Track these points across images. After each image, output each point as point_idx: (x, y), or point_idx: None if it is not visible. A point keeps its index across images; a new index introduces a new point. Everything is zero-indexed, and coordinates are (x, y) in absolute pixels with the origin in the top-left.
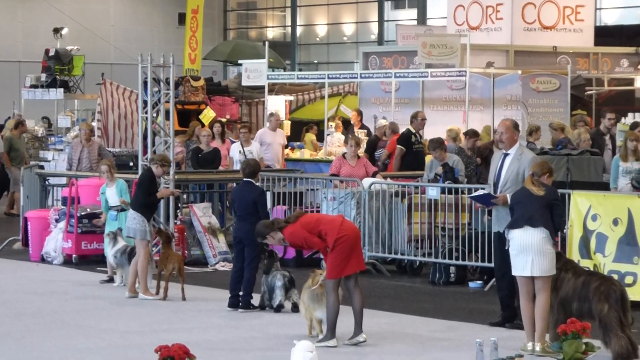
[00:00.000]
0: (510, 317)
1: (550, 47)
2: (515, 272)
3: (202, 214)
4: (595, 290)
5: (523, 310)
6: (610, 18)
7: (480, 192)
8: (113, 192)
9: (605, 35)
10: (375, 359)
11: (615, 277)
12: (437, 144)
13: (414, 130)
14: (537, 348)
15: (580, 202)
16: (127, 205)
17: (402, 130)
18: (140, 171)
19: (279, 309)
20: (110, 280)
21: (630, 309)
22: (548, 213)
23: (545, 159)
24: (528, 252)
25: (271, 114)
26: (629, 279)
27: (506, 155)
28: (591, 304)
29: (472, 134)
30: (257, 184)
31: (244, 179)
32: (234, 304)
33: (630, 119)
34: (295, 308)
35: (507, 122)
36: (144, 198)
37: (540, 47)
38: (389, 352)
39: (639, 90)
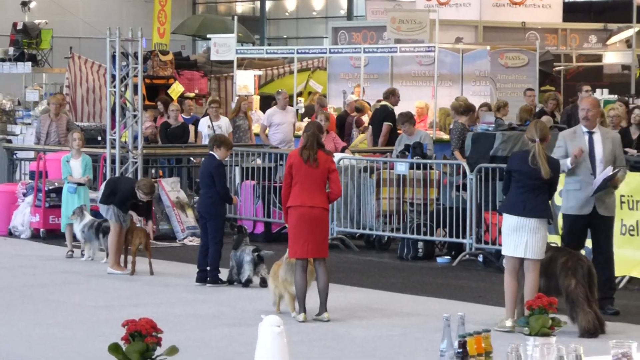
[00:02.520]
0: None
1: (519, 22)
2: (506, 251)
3: (171, 189)
4: (563, 265)
5: (506, 286)
6: None
7: (608, 171)
8: (78, 165)
9: (573, 11)
10: (343, 333)
11: (583, 252)
12: (406, 117)
13: (392, 107)
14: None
15: None
16: (89, 182)
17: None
18: (108, 145)
19: (247, 283)
20: (72, 255)
21: (597, 284)
22: (545, 195)
23: (513, 135)
24: (522, 233)
25: (279, 92)
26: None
27: (591, 133)
28: (558, 279)
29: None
30: (218, 157)
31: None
32: (201, 278)
33: (598, 94)
34: (263, 283)
35: (593, 99)
36: (118, 205)
37: (509, 22)
38: (357, 326)
39: (607, 66)
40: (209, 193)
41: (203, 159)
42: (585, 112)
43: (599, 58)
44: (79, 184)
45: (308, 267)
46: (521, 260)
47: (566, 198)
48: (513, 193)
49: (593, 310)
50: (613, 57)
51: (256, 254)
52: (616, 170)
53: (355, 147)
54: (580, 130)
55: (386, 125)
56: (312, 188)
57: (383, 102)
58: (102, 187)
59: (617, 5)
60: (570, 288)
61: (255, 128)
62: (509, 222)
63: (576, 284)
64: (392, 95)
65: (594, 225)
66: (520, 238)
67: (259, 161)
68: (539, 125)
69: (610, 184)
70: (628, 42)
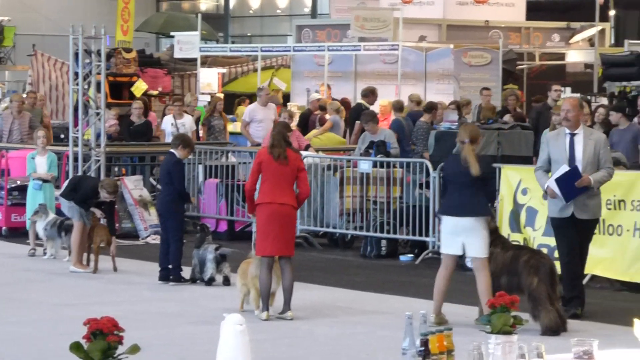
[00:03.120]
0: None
1: (483, 21)
2: (443, 249)
3: (134, 187)
4: (525, 264)
5: (437, 281)
6: None
7: (564, 168)
8: (43, 162)
9: (537, 9)
10: (307, 331)
11: (545, 250)
12: (369, 117)
13: (367, 106)
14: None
15: (510, 176)
16: (53, 180)
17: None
18: (71, 143)
19: (210, 282)
20: (35, 253)
21: (559, 282)
22: (481, 192)
23: None
24: (459, 234)
25: (260, 88)
26: (558, 253)
27: (573, 135)
28: (520, 277)
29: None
30: (178, 155)
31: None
32: (164, 277)
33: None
34: (226, 281)
35: (574, 99)
36: (79, 203)
37: (472, 21)
38: (320, 324)
39: (570, 64)
40: (168, 190)
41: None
42: (564, 113)
43: (561, 57)
44: (44, 181)
45: (274, 266)
46: (457, 259)
47: (549, 202)
48: (449, 195)
49: (555, 308)
50: (576, 56)
51: (218, 252)
52: (571, 168)
53: (309, 139)
54: (563, 132)
55: (358, 124)
56: (282, 185)
57: (359, 100)
58: (66, 183)
59: (580, 4)
60: (533, 286)
61: (234, 127)
62: (447, 223)
63: (538, 282)
64: (371, 94)
65: (576, 227)
66: (458, 237)
67: (233, 159)
68: (468, 127)
69: (579, 183)
70: (591, 41)
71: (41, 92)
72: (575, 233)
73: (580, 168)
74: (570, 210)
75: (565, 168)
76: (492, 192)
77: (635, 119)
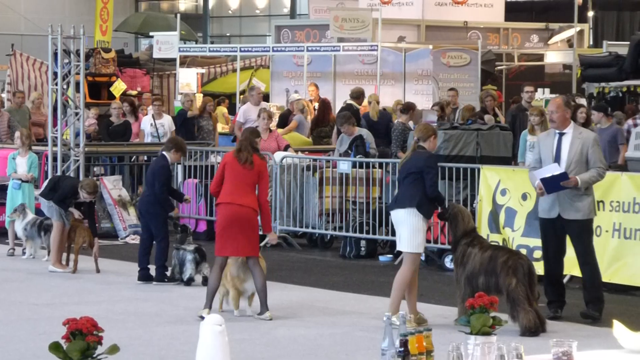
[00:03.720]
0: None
1: (461, 22)
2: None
3: (113, 187)
4: (503, 264)
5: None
6: None
7: (554, 168)
8: (24, 163)
9: (515, 10)
10: (286, 332)
11: (524, 251)
12: (345, 118)
13: (357, 107)
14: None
15: (489, 177)
16: (32, 180)
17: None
18: (50, 143)
19: (189, 282)
20: (14, 253)
21: (537, 283)
22: (418, 187)
23: (454, 134)
24: (398, 228)
25: (252, 88)
26: (537, 254)
27: (562, 134)
28: (499, 278)
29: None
30: (169, 159)
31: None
32: (143, 277)
33: (540, 94)
34: (205, 281)
35: (558, 99)
36: (58, 203)
37: (451, 22)
38: (299, 325)
39: (548, 65)
40: (150, 191)
41: (146, 157)
42: (550, 115)
43: (540, 57)
44: (24, 181)
45: (244, 266)
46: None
47: (539, 201)
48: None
49: (534, 308)
50: (554, 57)
51: (197, 253)
52: (564, 172)
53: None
54: (552, 132)
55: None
56: (244, 188)
57: (349, 101)
58: (45, 182)
59: (559, 5)
60: (511, 287)
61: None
62: (393, 218)
63: (517, 283)
64: (362, 96)
65: (565, 229)
66: (398, 232)
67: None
68: (420, 127)
69: (565, 184)
70: (569, 42)
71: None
72: (561, 235)
73: (563, 167)
74: (556, 210)
75: (554, 168)
76: (432, 187)
77: (630, 121)
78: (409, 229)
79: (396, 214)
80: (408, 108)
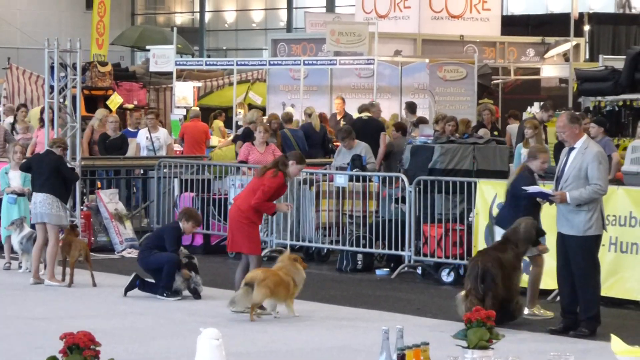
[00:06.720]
0: (573, 325)
1: (458, 36)
2: None
3: (109, 200)
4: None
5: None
6: (517, 8)
7: (532, 188)
8: (17, 176)
9: (511, 24)
10: (282, 346)
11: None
12: (345, 133)
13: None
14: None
15: (485, 191)
16: (28, 194)
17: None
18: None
19: (175, 294)
20: (10, 267)
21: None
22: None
23: (451, 148)
24: None
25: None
26: None
27: (571, 149)
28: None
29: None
30: (184, 230)
31: None
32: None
33: (535, 108)
34: (196, 293)
35: (564, 116)
36: (61, 182)
37: (447, 36)
38: (296, 338)
39: (544, 79)
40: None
41: (142, 170)
42: (559, 135)
43: (536, 71)
44: (19, 195)
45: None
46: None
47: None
48: None
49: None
50: (551, 71)
51: (187, 261)
52: (554, 196)
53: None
54: (567, 147)
55: (383, 135)
56: (246, 191)
57: (366, 114)
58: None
59: (555, 19)
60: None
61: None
62: None
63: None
64: (372, 108)
65: (565, 244)
66: None
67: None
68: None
69: (552, 198)
70: (565, 56)
71: (16, 105)
72: (562, 249)
73: (561, 183)
74: (559, 224)
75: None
76: None
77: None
78: None
79: None
80: (399, 128)
